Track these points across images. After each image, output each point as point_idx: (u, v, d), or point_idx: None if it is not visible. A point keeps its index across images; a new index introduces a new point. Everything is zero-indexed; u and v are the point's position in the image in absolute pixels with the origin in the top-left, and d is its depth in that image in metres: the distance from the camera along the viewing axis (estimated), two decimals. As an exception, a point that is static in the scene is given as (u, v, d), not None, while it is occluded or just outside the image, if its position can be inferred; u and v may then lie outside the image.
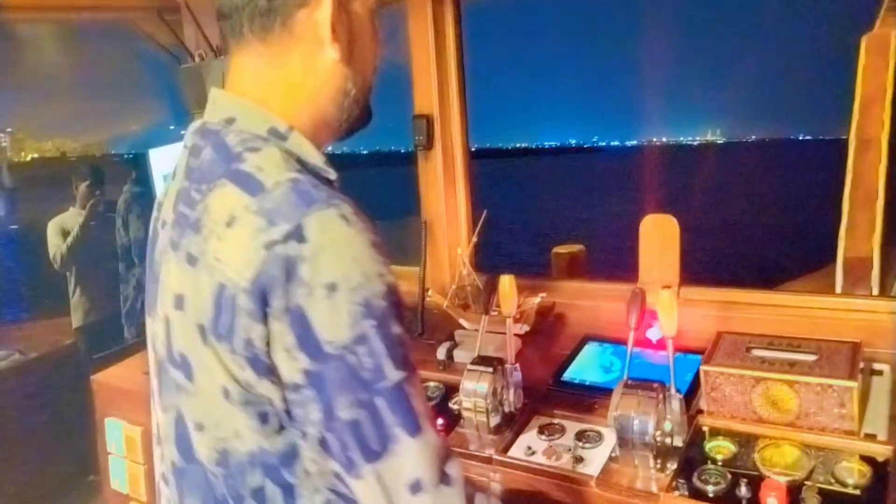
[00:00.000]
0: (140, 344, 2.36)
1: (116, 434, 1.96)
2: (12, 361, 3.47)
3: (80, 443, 2.63)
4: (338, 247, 0.70)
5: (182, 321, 0.77)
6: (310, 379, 0.70)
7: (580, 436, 1.42)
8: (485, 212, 2.07)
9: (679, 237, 1.75)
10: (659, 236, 1.77)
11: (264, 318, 0.70)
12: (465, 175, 2.18)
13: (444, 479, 0.74)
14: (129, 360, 2.12)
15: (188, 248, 0.76)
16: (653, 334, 1.63)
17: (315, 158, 0.81)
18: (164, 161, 2.27)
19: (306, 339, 0.69)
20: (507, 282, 1.58)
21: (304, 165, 0.79)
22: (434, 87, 2.10)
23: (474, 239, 2.08)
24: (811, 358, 1.33)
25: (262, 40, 0.82)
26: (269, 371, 0.72)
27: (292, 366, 0.70)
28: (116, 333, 3.94)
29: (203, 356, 0.75)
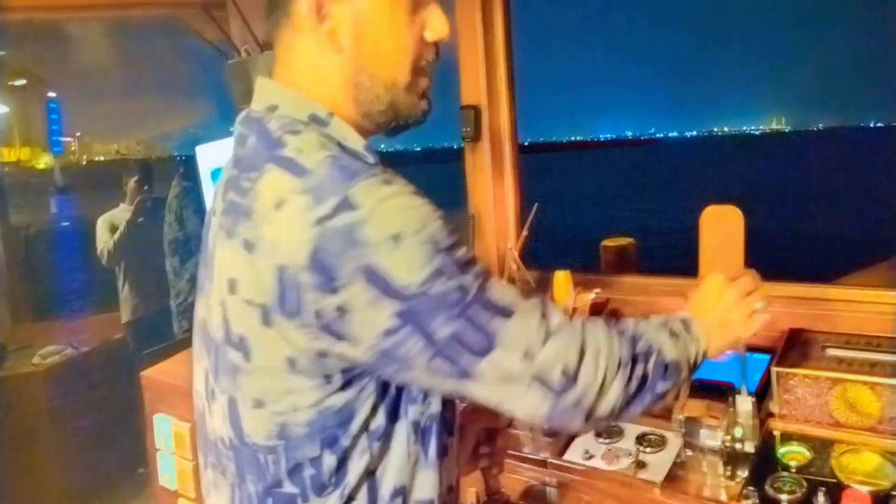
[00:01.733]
0: (189, 340, 2.38)
1: (165, 430, 1.97)
2: (65, 356, 3.54)
3: (131, 437, 2.66)
4: (388, 203, 0.73)
5: (238, 304, 0.78)
6: (402, 318, 0.73)
7: (641, 439, 1.35)
8: (535, 206, 2.01)
9: (743, 229, 1.66)
10: (721, 228, 1.68)
11: (334, 289, 0.72)
12: (514, 168, 2.12)
13: (547, 333, 0.78)
14: (178, 356, 2.12)
15: (244, 234, 0.78)
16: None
17: (356, 143, 0.81)
18: (211, 157, 2.27)
19: (388, 290, 0.72)
20: (562, 277, 1.52)
21: (343, 149, 0.79)
22: (482, 76, 2.05)
23: (524, 233, 2.02)
24: (893, 358, 1.24)
25: (277, 35, 0.85)
26: (344, 334, 0.74)
27: (381, 314, 0.72)
28: (165, 328, 3.99)
29: (264, 335, 0.77)
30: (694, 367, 0.92)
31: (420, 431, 0.83)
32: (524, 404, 0.79)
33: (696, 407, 1.20)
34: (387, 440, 0.81)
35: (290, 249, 0.73)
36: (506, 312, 0.76)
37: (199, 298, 0.92)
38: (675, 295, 1.61)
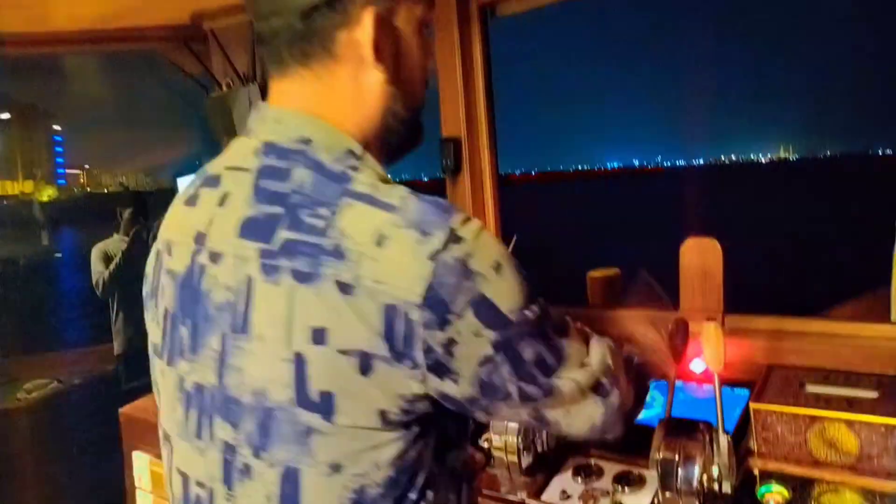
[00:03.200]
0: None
1: (143, 468, 1.94)
2: (51, 390, 3.50)
3: (113, 473, 2.62)
4: (482, 235, 0.74)
5: (327, 356, 0.70)
6: (499, 347, 0.73)
7: (619, 478, 1.33)
8: (514, 237, 1.99)
9: (722, 261, 1.65)
10: (701, 261, 1.68)
11: (445, 322, 0.70)
12: (494, 200, 2.11)
13: (586, 341, 0.85)
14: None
15: (336, 276, 0.70)
16: (696, 366, 1.54)
17: (385, 179, 0.78)
18: (192, 190, 2.27)
19: (493, 319, 0.72)
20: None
21: None
22: (462, 109, 2.05)
23: (505, 265, 2.00)
24: (872, 394, 1.22)
25: (304, 64, 0.79)
26: (449, 370, 0.72)
27: (481, 344, 0.72)
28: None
29: (357, 387, 0.71)
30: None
31: (457, 478, 0.84)
32: (585, 416, 0.82)
33: (672, 447, 1.17)
34: (436, 489, 0.80)
35: (400, 286, 0.69)
36: (563, 329, 0.80)
37: (169, 367, 0.82)
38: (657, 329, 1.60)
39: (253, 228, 0.74)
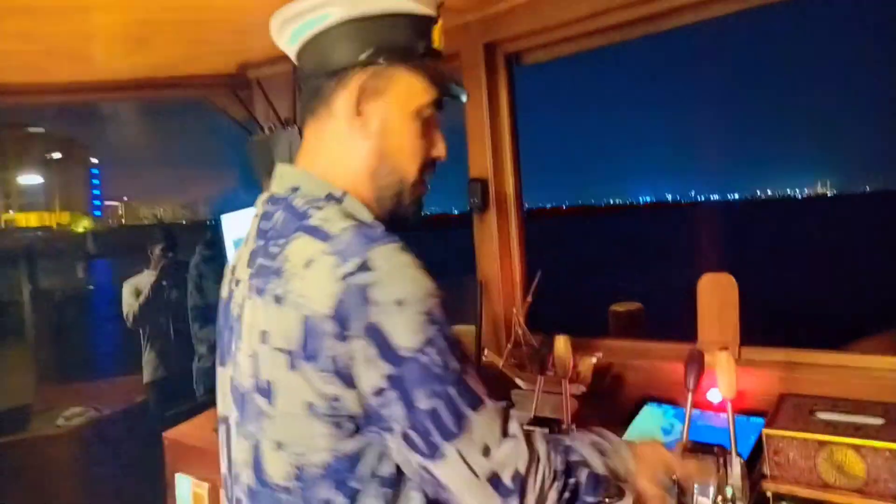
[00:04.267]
0: (210, 402, 2.46)
1: (185, 490, 2.04)
2: (88, 418, 3.63)
3: (151, 498, 2.72)
4: (400, 270, 0.85)
5: (268, 352, 0.89)
6: (391, 382, 0.83)
7: (640, 500, 1.40)
8: (538, 273, 2.10)
9: (738, 296, 1.73)
10: (717, 295, 1.76)
11: (345, 338, 0.83)
12: (520, 236, 2.23)
13: (505, 435, 0.88)
14: (198, 418, 2.21)
15: (274, 290, 0.89)
16: (713, 396, 1.61)
17: (366, 218, 0.94)
18: (236, 226, 2.40)
19: (385, 349, 0.83)
20: (561, 342, 1.60)
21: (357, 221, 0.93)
22: (489, 151, 2.17)
23: (529, 299, 2.10)
24: (878, 421, 1.29)
25: (315, 120, 1.00)
26: (351, 382, 0.84)
27: (375, 373, 0.83)
28: (186, 389, 4.09)
29: (288, 379, 0.87)
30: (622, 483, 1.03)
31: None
32: (476, 499, 0.86)
33: (688, 468, 1.25)
34: (399, 487, 0.89)
35: (316, 300, 0.84)
36: (476, 404, 0.86)
37: (223, 366, 1.02)
38: (674, 360, 1.68)
39: (252, 258, 0.97)
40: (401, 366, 0.83)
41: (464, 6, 2.02)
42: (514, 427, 0.90)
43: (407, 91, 0.98)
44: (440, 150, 1.03)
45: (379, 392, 0.84)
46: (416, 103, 0.99)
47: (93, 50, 2.25)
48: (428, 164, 1.02)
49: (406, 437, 0.85)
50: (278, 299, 0.88)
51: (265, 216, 0.98)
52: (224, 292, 1.06)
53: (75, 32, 1.99)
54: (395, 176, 0.99)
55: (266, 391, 0.90)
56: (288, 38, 1.00)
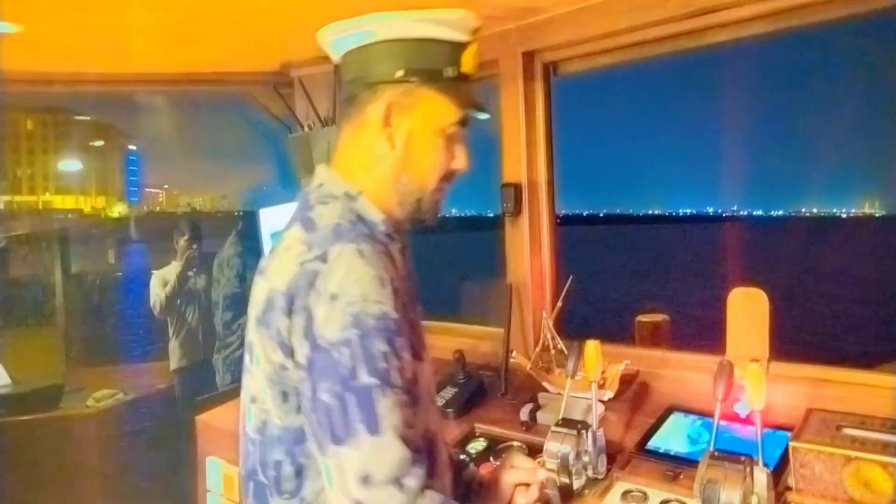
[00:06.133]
0: (237, 391, 2.52)
1: (216, 473, 2.09)
2: (117, 400, 3.72)
3: (178, 480, 2.79)
4: (346, 269, 0.93)
5: (252, 316, 1.04)
6: (307, 362, 0.92)
7: (664, 506, 1.43)
8: (570, 278, 2.13)
9: (768, 311, 1.75)
10: (747, 310, 1.78)
11: (289, 313, 0.94)
12: (551, 241, 2.26)
13: (395, 483, 0.87)
14: (229, 404, 2.25)
15: (261, 265, 1.08)
16: (741, 409, 1.63)
17: (374, 216, 1.05)
18: (273, 220, 2.46)
19: (309, 331, 0.92)
20: (592, 347, 1.62)
21: (363, 221, 1.03)
22: (524, 158, 2.21)
23: (559, 304, 2.13)
24: (906, 440, 1.31)
25: (349, 124, 1.09)
26: (291, 354, 0.95)
27: (300, 350, 0.94)
28: (210, 377, 4.17)
29: (256, 342, 1.02)
30: None
31: None
32: None
33: (715, 475, 1.27)
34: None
35: (279, 278, 0.98)
36: (374, 428, 0.87)
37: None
38: (702, 371, 1.71)
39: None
40: (315, 352, 0.91)
41: (504, 14, 2.06)
42: (412, 482, 0.87)
43: (433, 110, 1.06)
44: (460, 162, 1.11)
45: (299, 366, 0.94)
46: (441, 122, 1.07)
47: (138, 43, 2.31)
48: (447, 175, 1.11)
49: (308, 417, 0.93)
50: (261, 273, 1.06)
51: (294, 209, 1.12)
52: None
53: (122, 26, 2.05)
54: (416, 185, 1.08)
55: (249, 348, 1.05)
56: (334, 46, 1.09)
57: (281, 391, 0.98)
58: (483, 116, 1.11)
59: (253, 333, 1.03)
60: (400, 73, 1.04)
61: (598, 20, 1.97)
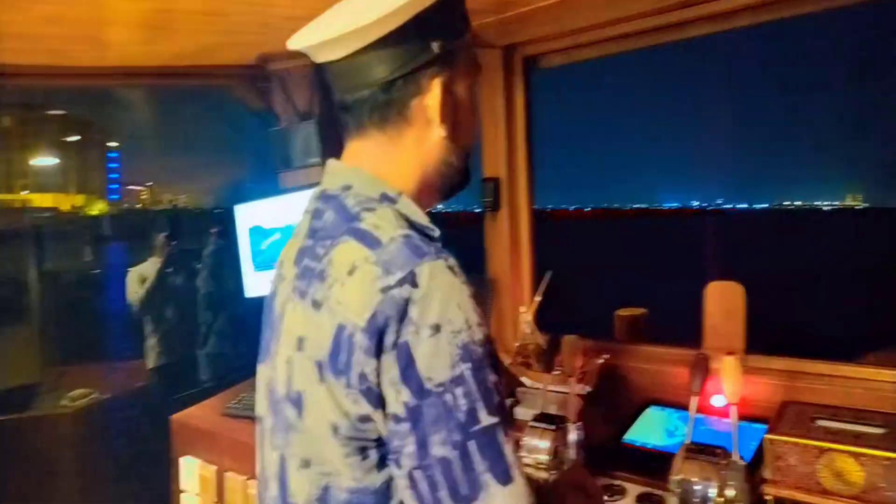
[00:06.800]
0: (217, 387, 2.49)
1: (192, 472, 2.06)
2: (93, 399, 3.67)
3: (156, 480, 2.76)
4: (444, 292, 0.77)
5: (302, 360, 0.84)
6: (409, 412, 0.75)
7: (642, 498, 1.43)
8: (547, 273, 2.13)
9: (744, 304, 1.76)
10: (724, 303, 1.79)
11: (378, 353, 0.76)
12: (530, 236, 2.26)
13: None
14: (206, 402, 2.24)
15: (314, 295, 0.84)
16: (717, 401, 1.64)
17: (421, 218, 0.88)
18: (249, 216, 2.43)
19: (409, 374, 0.75)
20: (569, 341, 1.63)
21: (411, 224, 0.86)
22: (503, 152, 2.20)
23: (537, 298, 2.13)
24: (878, 431, 1.32)
25: (381, 128, 0.91)
26: (381, 403, 0.77)
27: (396, 397, 0.76)
28: (188, 376, 4.13)
29: (317, 392, 0.81)
30: None
31: None
32: None
33: (691, 468, 1.28)
34: None
35: (353, 310, 0.78)
36: (504, 475, 0.74)
37: (263, 363, 0.97)
38: (679, 364, 1.72)
39: (300, 258, 0.91)
40: (422, 398, 0.74)
41: (484, 8, 2.05)
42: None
43: (464, 68, 0.93)
44: (479, 108, 1.00)
45: (396, 419, 0.76)
46: (472, 76, 0.95)
47: (114, 36, 2.27)
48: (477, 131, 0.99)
49: (412, 479, 0.76)
50: (317, 304, 0.83)
51: (316, 214, 0.92)
52: (270, 287, 1.01)
53: (98, 18, 2.01)
54: (463, 155, 0.96)
55: (297, 402, 0.85)
56: (338, 49, 0.87)
57: (359, 447, 0.79)
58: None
59: (305, 381, 0.83)
60: (436, 46, 0.88)
61: (578, 14, 1.96)
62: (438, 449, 0.73)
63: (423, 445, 0.74)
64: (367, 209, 0.86)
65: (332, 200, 0.91)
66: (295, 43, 0.90)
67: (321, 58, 0.89)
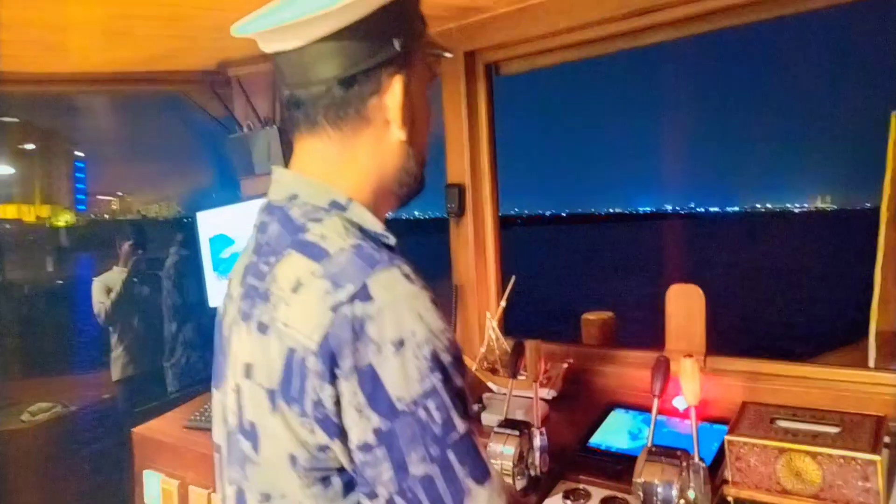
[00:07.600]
0: (181, 398, 2.45)
1: (154, 486, 2.02)
2: (55, 413, 3.59)
3: (118, 495, 2.70)
4: (402, 303, 0.72)
5: (252, 389, 0.78)
6: (381, 438, 0.70)
7: (606, 501, 1.43)
8: (512, 278, 2.13)
9: (705, 307, 1.78)
10: (685, 305, 1.81)
11: (333, 378, 0.71)
12: (495, 241, 2.26)
13: None
14: (169, 414, 2.19)
15: (259, 317, 0.78)
16: (679, 403, 1.66)
17: (374, 225, 0.82)
18: (211, 223, 2.39)
19: (377, 398, 0.70)
20: (532, 346, 1.62)
21: (364, 232, 0.80)
22: (467, 158, 2.20)
23: (502, 304, 2.13)
24: (834, 430, 1.34)
25: (336, 126, 0.84)
26: (339, 431, 0.73)
27: (364, 426, 0.71)
28: (155, 387, 4.06)
29: (271, 423, 0.76)
30: None
31: None
32: None
33: (652, 471, 1.28)
34: None
35: (302, 332, 0.72)
36: (482, 475, 0.74)
37: (217, 388, 0.92)
38: (642, 367, 1.73)
39: (245, 275, 0.86)
40: (394, 419, 0.70)
41: (445, 14, 2.05)
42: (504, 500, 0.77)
43: (421, 66, 0.88)
44: (430, 109, 0.94)
45: (366, 448, 0.71)
46: (427, 75, 0.90)
47: (69, 41, 2.23)
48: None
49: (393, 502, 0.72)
50: (262, 327, 0.77)
51: (261, 227, 0.86)
52: (220, 307, 0.95)
53: (52, 23, 1.97)
54: (421, 157, 0.90)
55: (250, 434, 0.79)
56: (288, 39, 0.80)
57: (320, 477, 0.75)
58: (448, 55, 0.95)
59: (257, 411, 0.77)
60: (397, 44, 0.82)
61: (538, 20, 1.97)
62: (418, 467, 0.70)
63: (401, 468, 0.70)
64: (314, 219, 0.80)
65: (277, 212, 0.84)
66: (243, 29, 0.81)
67: (272, 47, 0.82)
